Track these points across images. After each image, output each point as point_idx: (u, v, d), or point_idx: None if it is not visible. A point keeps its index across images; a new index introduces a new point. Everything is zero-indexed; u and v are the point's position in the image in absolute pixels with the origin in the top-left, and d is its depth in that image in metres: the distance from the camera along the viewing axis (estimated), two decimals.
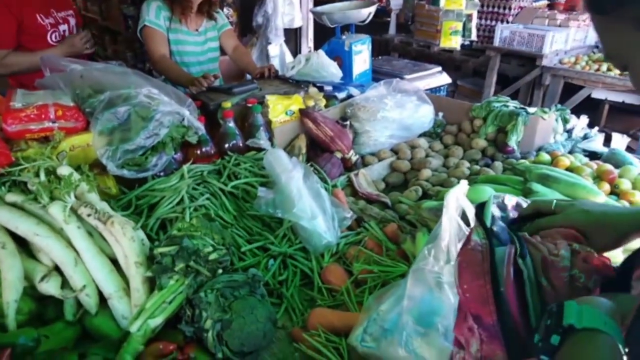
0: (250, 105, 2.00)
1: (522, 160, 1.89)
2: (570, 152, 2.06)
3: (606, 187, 1.69)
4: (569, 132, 2.30)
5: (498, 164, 1.96)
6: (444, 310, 1.02)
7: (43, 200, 1.20)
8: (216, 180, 1.66)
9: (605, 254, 0.82)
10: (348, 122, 2.14)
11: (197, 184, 1.63)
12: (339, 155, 2.00)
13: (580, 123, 2.33)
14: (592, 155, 2.06)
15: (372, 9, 2.84)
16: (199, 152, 1.80)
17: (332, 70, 2.56)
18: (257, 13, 4.40)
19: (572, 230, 0.88)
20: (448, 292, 1.04)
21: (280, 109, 2.09)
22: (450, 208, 1.10)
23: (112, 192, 1.56)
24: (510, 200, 0.95)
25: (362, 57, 2.89)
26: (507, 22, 5.55)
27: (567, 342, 0.63)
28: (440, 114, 2.39)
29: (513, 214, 0.94)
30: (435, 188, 1.81)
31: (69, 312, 1.16)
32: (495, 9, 5.64)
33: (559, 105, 2.37)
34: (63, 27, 2.50)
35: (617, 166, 1.80)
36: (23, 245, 1.22)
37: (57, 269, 1.18)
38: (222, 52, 2.98)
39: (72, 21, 2.57)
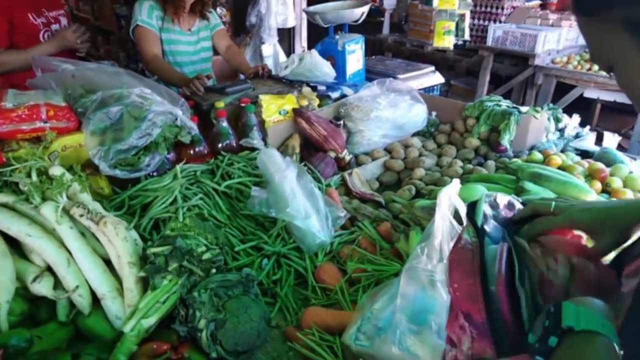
0: (243, 105, 2.00)
1: (515, 159, 1.90)
2: (562, 151, 2.07)
3: (598, 185, 1.70)
4: (561, 131, 2.32)
5: (491, 163, 1.97)
6: (437, 309, 1.02)
7: (35, 200, 1.20)
8: (209, 180, 1.66)
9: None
10: (341, 122, 2.14)
11: (190, 183, 1.63)
12: (332, 154, 2.00)
13: (572, 122, 2.34)
14: (584, 154, 2.08)
15: (365, 9, 2.85)
16: (192, 152, 1.80)
17: (325, 70, 2.56)
18: (251, 13, 4.39)
19: (572, 233, 0.88)
20: (441, 290, 1.04)
21: (274, 109, 2.09)
22: (443, 207, 1.10)
23: (105, 192, 1.56)
24: (502, 198, 0.96)
25: (355, 57, 2.89)
26: (500, 22, 5.58)
27: (565, 344, 0.63)
28: (434, 114, 2.39)
29: (505, 213, 0.94)
30: (428, 187, 1.82)
31: (62, 312, 1.16)
32: (488, 9, 5.66)
33: (551, 105, 2.39)
34: (55, 27, 2.48)
35: (608, 165, 1.82)
36: (15, 246, 1.21)
37: (49, 269, 1.18)
38: (215, 52, 2.98)
39: (64, 20, 2.56)
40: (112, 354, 1.06)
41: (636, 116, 4.45)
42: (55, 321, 1.15)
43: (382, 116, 2.15)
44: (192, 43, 2.78)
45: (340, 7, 3.02)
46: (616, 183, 1.70)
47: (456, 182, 1.13)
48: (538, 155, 1.89)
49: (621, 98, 4.79)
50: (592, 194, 1.55)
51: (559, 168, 1.77)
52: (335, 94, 2.44)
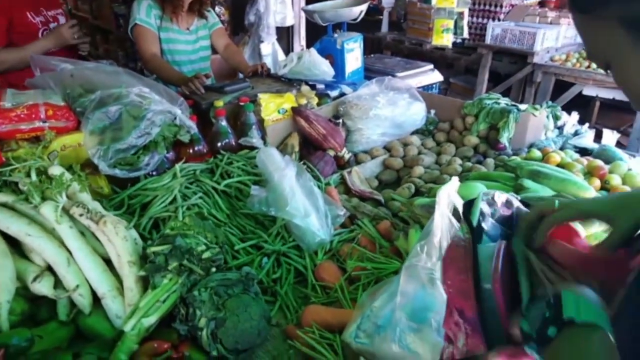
0: (242, 103, 2.00)
1: (514, 157, 1.90)
2: (561, 149, 2.07)
3: (597, 182, 1.71)
4: (560, 128, 2.32)
5: (490, 161, 1.97)
6: (436, 306, 1.02)
7: (34, 200, 1.20)
8: (209, 179, 1.66)
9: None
10: (340, 120, 2.14)
11: (189, 182, 1.63)
12: (331, 153, 2.00)
13: (571, 120, 2.35)
14: (583, 152, 2.08)
15: (364, 7, 2.85)
16: (191, 151, 1.80)
17: (324, 69, 2.56)
18: (249, 11, 4.39)
19: (576, 233, 0.87)
20: (440, 288, 1.04)
21: (273, 108, 2.09)
22: (442, 205, 1.10)
23: (104, 191, 1.56)
24: (500, 196, 0.96)
25: (354, 55, 2.89)
26: (499, 19, 5.58)
27: (563, 335, 0.64)
28: (433, 112, 2.40)
29: (503, 211, 0.94)
30: (427, 185, 1.82)
31: (63, 312, 1.16)
32: (487, 7, 5.66)
33: (550, 102, 2.39)
34: (53, 25, 2.48)
35: (607, 162, 1.82)
36: (15, 246, 1.21)
37: (49, 269, 1.18)
38: (214, 51, 2.98)
39: (62, 19, 2.55)
40: (113, 353, 1.06)
41: (635, 113, 4.46)
42: (56, 320, 1.15)
43: (381, 114, 2.15)
44: (191, 42, 2.77)
45: (339, 6, 3.02)
46: (615, 180, 1.70)
47: (455, 180, 1.14)
48: (537, 153, 1.90)
49: (620, 95, 4.80)
50: (591, 191, 1.56)
51: (558, 166, 1.78)
52: (334, 93, 2.44)
